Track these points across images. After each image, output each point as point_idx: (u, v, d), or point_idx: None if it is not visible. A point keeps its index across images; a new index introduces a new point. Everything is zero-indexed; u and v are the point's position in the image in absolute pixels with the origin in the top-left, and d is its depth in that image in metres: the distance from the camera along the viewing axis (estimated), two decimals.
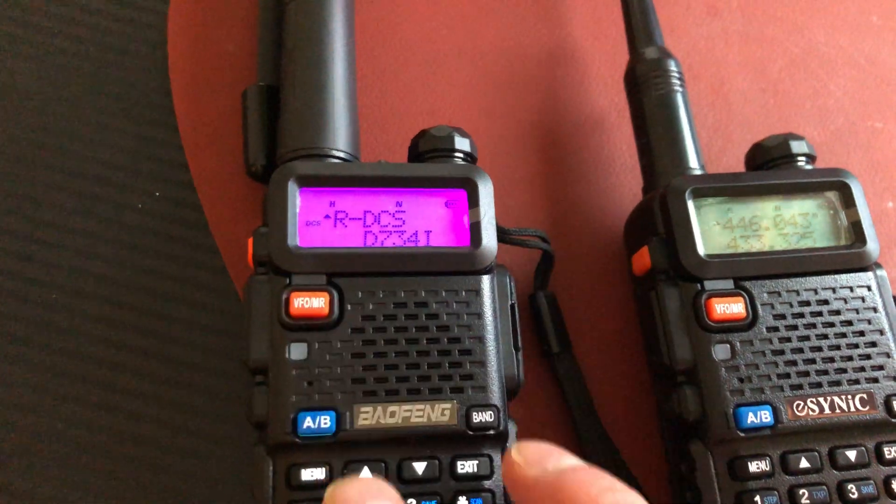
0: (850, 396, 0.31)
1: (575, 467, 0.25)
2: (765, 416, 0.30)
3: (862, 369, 0.32)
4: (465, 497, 0.28)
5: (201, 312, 0.37)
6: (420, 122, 0.41)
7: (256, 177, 0.37)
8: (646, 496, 0.34)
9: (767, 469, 0.30)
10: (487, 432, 0.29)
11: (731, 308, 0.32)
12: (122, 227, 0.38)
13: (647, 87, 0.38)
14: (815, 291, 0.33)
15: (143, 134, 0.40)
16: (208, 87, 0.41)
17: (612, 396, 0.37)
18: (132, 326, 0.36)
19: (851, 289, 0.33)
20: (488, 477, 0.29)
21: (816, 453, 0.31)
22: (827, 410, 0.31)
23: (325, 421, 0.28)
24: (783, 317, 0.32)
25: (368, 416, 0.28)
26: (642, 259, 0.34)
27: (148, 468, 0.34)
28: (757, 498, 0.30)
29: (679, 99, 0.38)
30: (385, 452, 0.28)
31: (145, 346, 0.36)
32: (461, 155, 0.34)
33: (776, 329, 0.32)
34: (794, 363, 0.31)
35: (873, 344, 0.32)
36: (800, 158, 0.36)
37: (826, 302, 0.33)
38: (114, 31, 0.42)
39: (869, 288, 0.33)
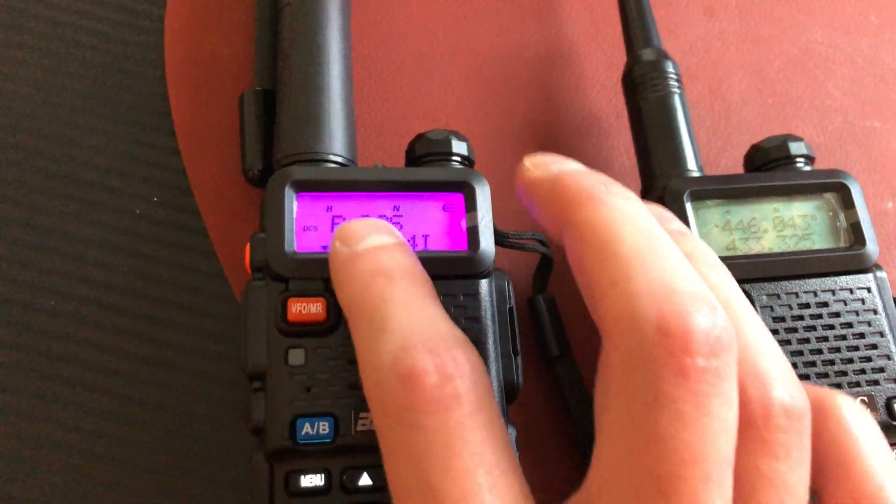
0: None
1: (575, 168, 0.26)
2: None
3: (862, 372, 0.32)
4: None
5: (200, 317, 0.36)
6: (417, 124, 0.41)
7: (254, 181, 0.36)
8: None
9: None
10: None
11: None
12: (120, 232, 0.38)
13: (644, 89, 0.38)
14: (815, 294, 0.33)
15: (140, 139, 0.40)
16: (205, 91, 0.41)
17: None
18: (130, 331, 0.36)
19: (851, 291, 0.33)
20: None
21: None
22: None
23: (324, 427, 0.28)
24: (783, 319, 0.32)
25: (367, 422, 0.28)
26: None
27: (146, 473, 0.34)
28: None
29: (677, 100, 0.38)
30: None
31: (143, 352, 0.36)
32: (458, 158, 0.34)
33: (776, 332, 0.32)
34: (794, 366, 0.31)
35: (874, 346, 0.32)
36: (798, 160, 0.36)
37: (825, 304, 0.32)
38: (111, 36, 0.42)
39: (869, 290, 0.33)
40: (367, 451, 0.28)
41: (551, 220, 0.26)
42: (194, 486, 0.34)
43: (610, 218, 0.23)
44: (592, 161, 0.42)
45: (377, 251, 0.26)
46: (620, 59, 0.41)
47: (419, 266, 0.27)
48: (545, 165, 0.27)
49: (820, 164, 0.42)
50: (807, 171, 0.35)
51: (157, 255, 0.37)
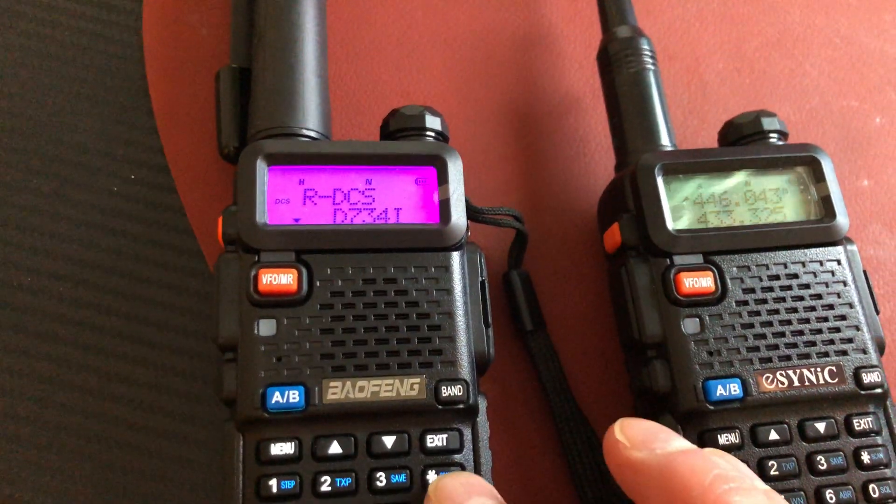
0: (819, 369, 0.31)
1: (685, 451, 0.24)
2: (734, 388, 0.31)
3: (831, 342, 0.32)
4: (434, 471, 0.28)
5: (176, 294, 0.37)
6: (394, 103, 0.41)
7: (230, 159, 0.37)
8: None
9: (737, 441, 0.30)
10: (457, 406, 0.29)
11: (700, 282, 0.32)
12: (97, 210, 0.38)
13: (619, 66, 0.38)
14: (785, 265, 0.33)
15: (118, 118, 0.40)
16: (183, 71, 0.41)
17: (585, 373, 0.37)
18: (107, 308, 0.36)
19: (821, 263, 0.33)
20: (458, 451, 0.29)
21: (786, 426, 0.31)
22: (796, 383, 0.31)
23: (294, 396, 0.28)
24: (752, 290, 0.32)
25: (337, 391, 0.28)
26: (613, 236, 0.34)
27: (122, 448, 0.34)
28: None
29: (651, 77, 0.38)
30: (354, 427, 0.28)
31: (120, 328, 0.36)
32: (432, 134, 0.34)
33: (745, 303, 0.32)
34: (763, 336, 0.32)
35: (843, 317, 0.32)
36: (772, 135, 0.36)
37: (795, 276, 0.33)
38: (89, 16, 0.42)
39: (839, 262, 0.33)
40: (338, 420, 0.28)
41: None
42: (169, 460, 0.34)
43: None
44: (569, 139, 0.42)
45: None
46: (597, 39, 0.41)
47: None
48: (645, 444, 0.24)
49: (796, 142, 0.42)
50: (778, 146, 0.36)
51: (135, 232, 0.38)
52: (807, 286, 0.33)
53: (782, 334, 0.32)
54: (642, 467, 0.24)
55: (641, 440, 0.25)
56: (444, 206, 0.31)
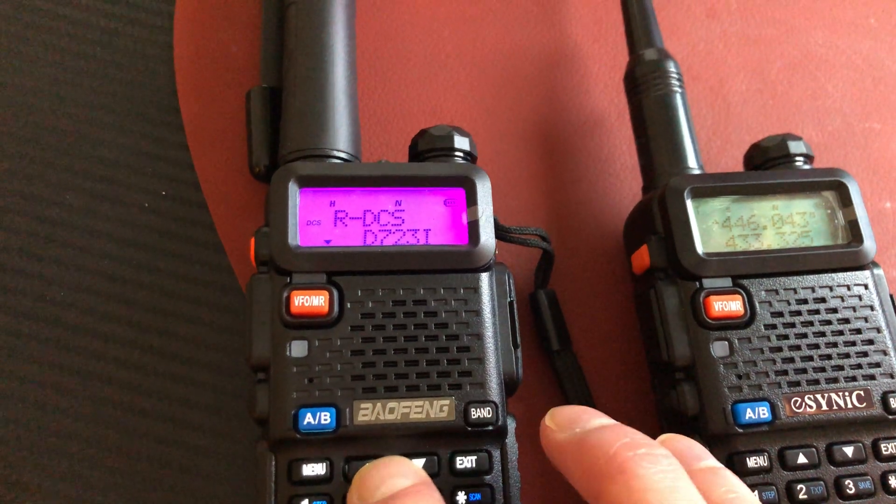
0: (847, 393, 0.31)
1: (600, 426, 0.25)
2: (762, 412, 0.31)
3: (859, 366, 0.32)
4: (463, 492, 0.28)
5: (206, 310, 0.37)
6: (421, 122, 0.42)
7: (260, 177, 0.37)
8: None
9: (765, 465, 0.30)
10: (486, 428, 0.29)
11: (729, 306, 0.32)
12: (128, 226, 0.38)
13: (646, 88, 0.38)
14: (813, 290, 0.33)
15: (150, 134, 0.40)
16: (214, 88, 0.41)
17: (611, 393, 0.37)
18: (138, 324, 0.36)
19: (848, 287, 0.33)
20: (487, 472, 0.29)
21: (814, 449, 0.31)
22: (824, 407, 0.31)
23: (326, 417, 0.28)
24: (781, 314, 0.32)
25: (368, 413, 0.29)
26: (641, 258, 0.35)
27: (153, 463, 0.34)
28: (755, 493, 0.30)
29: (678, 99, 0.38)
30: (384, 448, 0.29)
31: (151, 343, 0.36)
32: (461, 154, 0.34)
33: (774, 326, 0.32)
34: (791, 360, 0.32)
35: (870, 342, 0.32)
36: (798, 158, 0.37)
37: (823, 300, 0.33)
38: (121, 33, 0.43)
39: (866, 286, 0.33)
40: (368, 441, 0.29)
41: (584, 488, 0.25)
42: (199, 475, 0.34)
43: (642, 493, 0.22)
44: (595, 158, 0.42)
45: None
46: (623, 59, 0.42)
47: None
48: (568, 425, 0.26)
49: (819, 165, 0.42)
50: (805, 170, 0.36)
51: (165, 247, 0.38)
52: (834, 310, 0.33)
53: (810, 358, 0.32)
54: (565, 446, 0.25)
55: (567, 423, 0.26)
56: (473, 227, 0.32)
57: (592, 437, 0.24)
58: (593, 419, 0.26)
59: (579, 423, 0.26)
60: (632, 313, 0.38)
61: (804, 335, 0.32)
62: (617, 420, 0.36)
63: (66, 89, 0.41)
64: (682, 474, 0.23)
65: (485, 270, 0.31)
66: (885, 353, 0.32)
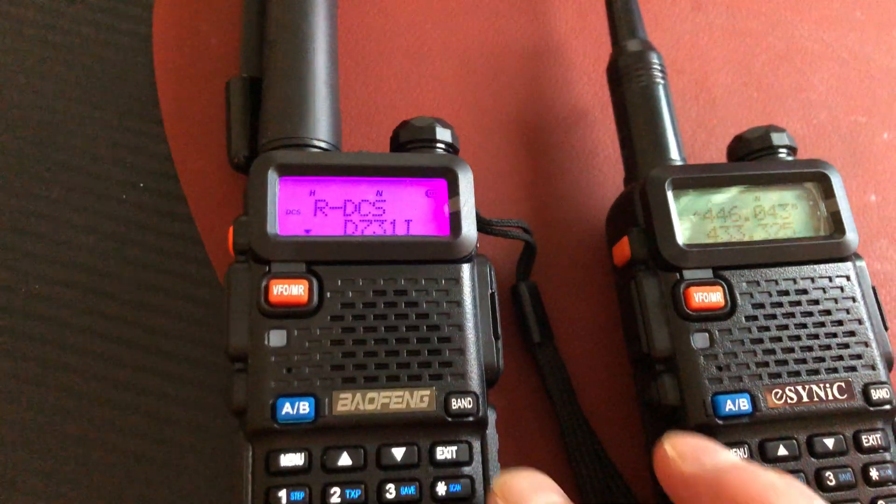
0: (828, 385, 0.31)
1: (735, 465, 0.25)
2: (743, 403, 0.31)
3: (840, 358, 0.32)
4: (443, 483, 0.28)
5: (185, 303, 0.37)
6: (403, 115, 0.41)
7: (240, 168, 0.37)
8: (626, 485, 0.34)
9: (745, 456, 0.30)
10: (466, 419, 0.29)
11: (709, 297, 0.32)
12: (106, 218, 0.38)
13: (628, 80, 0.38)
14: (794, 281, 0.33)
15: (128, 126, 0.40)
16: (193, 80, 0.41)
17: (592, 385, 0.37)
18: (116, 317, 0.36)
19: (830, 279, 0.33)
20: (467, 463, 0.29)
21: (794, 441, 0.31)
22: (805, 399, 0.31)
23: (304, 407, 0.28)
24: (762, 306, 0.32)
25: (347, 403, 0.28)
26: (622, 249, 0.34)
27: (131, 458, 0.34)
28: None
29: (660, 91, 0.38)
30: (364, 438, 0.28)
31: (129, 337, 0.36)
32: (442, 145, 0.34)
33: (755, 318, 0.32)
34: (772, 352, 0.32)
35: (851, 333, 0.32)
36: (781, 150, 0.36)
37: (805, 291, 0.33)
38: (99, 24, 0.42)
39: (848, 278, 0.33)
40: (348, 432, 0.28)
41: None
42: (179, 470, 0.34)
43: None
44: (578, 151, 0.42)
45: None
46: (607, 52, 0.41)
47: None
48: (695, 457, 0.25)
49: (804, 157, 0.42)
50: (788, 161, 0.36)
51: (143, 240, 0.38)
52: (816, 302, 0.33)
53: (791, 350, 0.32)
54: (693, 481, 0.25)
55: (691, 454, 0.25)
56: (455, 218, 0.32)
57: (732, 476, 0.24)
58: (721, 453, 0.25)
59: (707, 457, 0.25)
60: (614, 306, 0.37)
61: (785, 327, 0.32)
62: (598, 412, 0.36)
63: (44, 81, 0.41)
64: None
65: (466, 262, 0.31)
66: (866, 344, 0.32)
